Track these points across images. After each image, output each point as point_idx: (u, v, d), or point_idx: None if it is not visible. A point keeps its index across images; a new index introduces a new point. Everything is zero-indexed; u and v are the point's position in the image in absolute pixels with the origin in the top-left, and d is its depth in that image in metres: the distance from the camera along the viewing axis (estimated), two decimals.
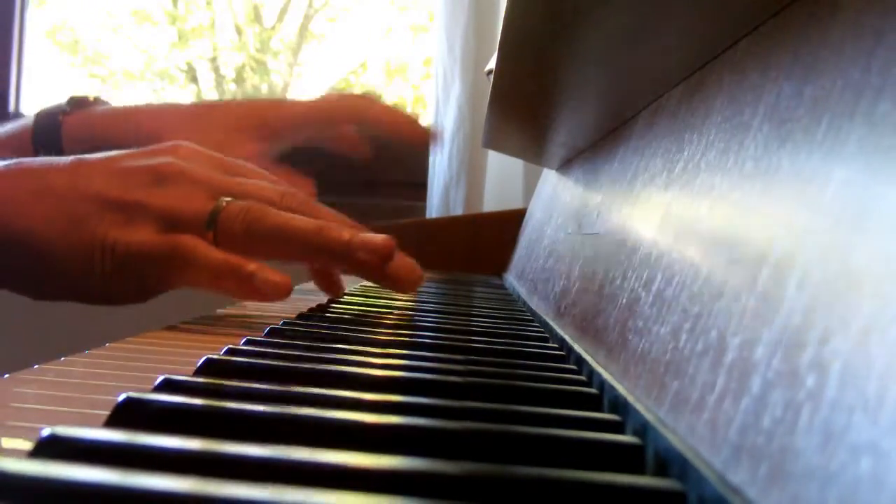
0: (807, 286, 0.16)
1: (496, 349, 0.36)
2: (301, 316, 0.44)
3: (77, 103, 0.63)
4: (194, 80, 1.84)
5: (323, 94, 0.74)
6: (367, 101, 0.74)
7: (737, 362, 0.18)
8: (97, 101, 0.65)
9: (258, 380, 0.25)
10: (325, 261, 0.49)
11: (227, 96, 1.85)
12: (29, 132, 0.62)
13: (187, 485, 0.15)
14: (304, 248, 0.45)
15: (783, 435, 0.15)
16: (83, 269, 0.43)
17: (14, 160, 0.45)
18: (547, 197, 0.75)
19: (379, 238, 0.46)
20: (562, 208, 0.61)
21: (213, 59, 1.84)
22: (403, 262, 0.49)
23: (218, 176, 0.47)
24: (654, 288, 0.27)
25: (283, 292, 0.43)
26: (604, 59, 0.38)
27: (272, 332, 0.37)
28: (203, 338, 0.41)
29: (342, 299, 0.54)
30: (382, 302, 0.54)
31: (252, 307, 0.56)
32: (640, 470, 0.20)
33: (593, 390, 0.28)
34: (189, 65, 1.84)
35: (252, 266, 0.43)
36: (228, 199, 0.45)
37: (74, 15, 1.81)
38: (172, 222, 0.44)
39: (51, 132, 0.61)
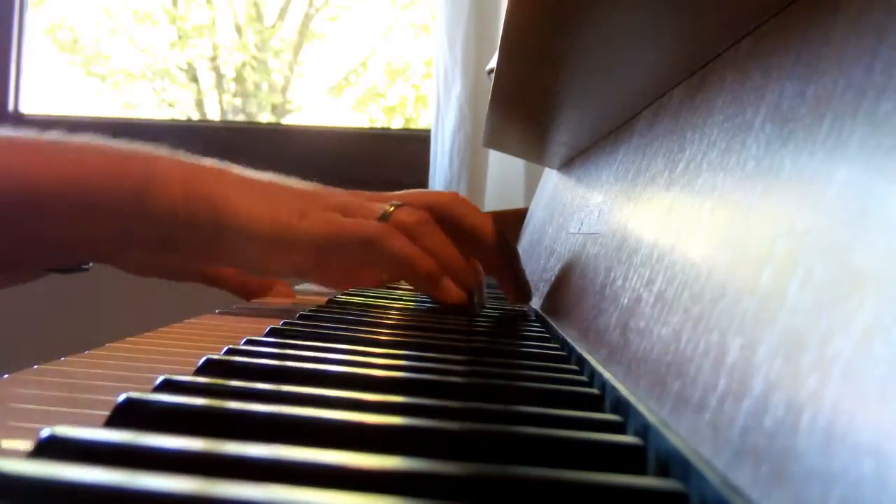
0: (809, 287, 0.16)
1: (497, 349, 0.36)
2: (301, 316, 0.44)
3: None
4: (194, 79, 1.84)
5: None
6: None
7: (738, 363, 0.18)
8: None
9: (258, 380, 0.25)
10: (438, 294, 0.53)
11: (227, 95, 1.85)
12: None
13: (188, 485, 0.15)
14: (418, 283, 0.51)
15: (785, 436, 0.14)
16: (276, 234, 0.47)
17: (207, 159, 0.50)
18: (548, 196, 0.75)
19: (457, 295, 0.52)
20: (563, 208, 0.61)
21: (214, 59, 1.84)
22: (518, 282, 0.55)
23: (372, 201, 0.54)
24: (655, 288, 0.27)
25: (458, 300, 0.50)
26: (605, 59, 0.38)
27: (272, 332, 0.37)
28: (203, 337, 0.41)
29: (343, 299, 0.54)
30: (383, 302, 0.54)
31: (252, 307, 0.56)
32: (641, 471, 0.20)
33: (595, 391, 0.28)
34: (189, 64, 1.84)
35: (437, 266, 0.49)
36: (398, 203, 0.51)
37: (74, 14, 1.81)
38: (351, 213, 0.49)
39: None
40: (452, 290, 0.50)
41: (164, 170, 0.46)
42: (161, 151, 0.48)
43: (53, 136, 0.46)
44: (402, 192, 0.57)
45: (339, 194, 0.52)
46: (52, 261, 0.49)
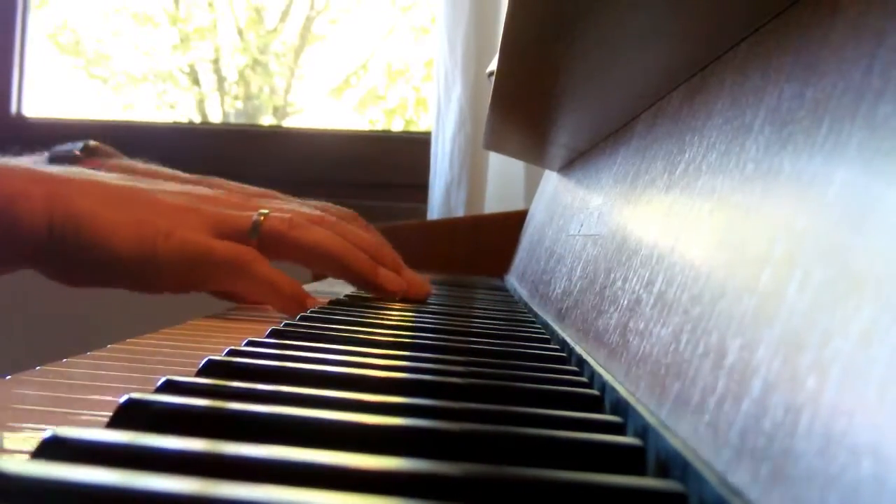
0: (807, 288, 0.16)
1: (497, 350, 0.36)
2: (302, 317, 0.44)
3: (90, 150, 0.66)
4: (196, 81, 1.84)
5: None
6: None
7: (738, 364, 0.18)
8: (109, 151, 0.67)
9: (260, 381, 0.25)
10: (349, 280, 0.56)
11: (229, 98, 1.85)
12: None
13: (190, 486, 0.15)
14: (334, 266, 0.53)
15: (784, 437, 0.15)
16: (142, 256, 0.47)
17: (75, 168, 0.50)
18: (548, 198, 0.75)
19: (397, 282, 0.55)
20: (563, 210, 0.61)
21: (215, 61, 1.84)
22: (414, 280, 0.58)
23: (255, 199, 0.56)
24: (655, 289, 0.27)
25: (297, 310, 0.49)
26: (605, 61, 0.38)
27: (273, 333, 0.37)
28: (204, 339, 0.41)
29: (343, 300, 0.54)
30: (383, 303, 0.54)
31: (252, 308, 0.56)
32: (641, 471, 0.20)
33: (594, 392, 0.28)
34: (191, 66, 1.84)
35: (304, 293, 0.50)
36: (266, 211, 0.52)
37: (75, 16, 1.81)
38: (221, 229, 0.49)
39: None
40: (302, 304, 0.50)
41: (25, 186, 0.45)
42: (23, 162, 0.48)
43: None
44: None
45: (218, 201, 0.52)
46: None
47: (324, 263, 0.54)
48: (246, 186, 0.61)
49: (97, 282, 0.50)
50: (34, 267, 0.48)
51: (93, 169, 0.59)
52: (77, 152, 0.64)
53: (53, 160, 0.63)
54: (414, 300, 0.57)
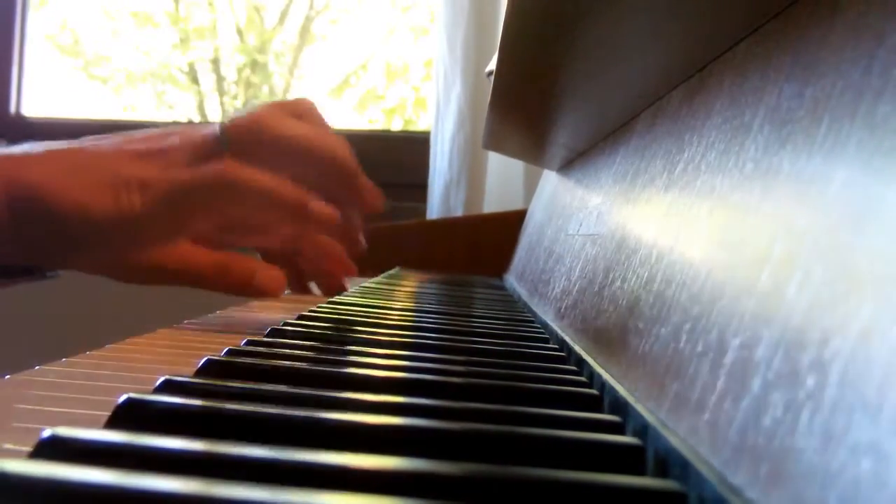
0: (807, 287, 0.16)
1: (497, 350, 0.36)
2: (302, 317, 0.44)
3: None
4: (195, 81, 1.84)
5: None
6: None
7: (737, 363, 0.18)
8: None
9: (259, 380, 0.25)
10: (318, 171, 0.49)
11: (228, 98, 1.85)
12: None
13: (188, 486, 0.15)
14: (306, 157, 0.47)
15: (784, 435, 0.15)
16: (122, 216, 0.42)
17: (28, 144, 0.45)
18: (547, 198, 0.75)
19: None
20: (562, 209, 0.61)
21: (215, 61, 1.84)
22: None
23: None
24: (654, 289, 0.27)
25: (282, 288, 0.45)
26: (604, 61, 0.38)
27: (273, 333, 0.37)
28: (203, 338, 0.41)
29: (343, 300, 0.54)
30: (383, 303, 0.54)
31: (253, 308, 0.56)
32: (640, 471, 0.20)
33: (594, 391, 0.28)
34: (190, 66, 1.84)
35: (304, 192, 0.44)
36: (232, 118, 0.46)
37: (75, 17, 1.81)
38: (192, 154, 0.45)
39: None
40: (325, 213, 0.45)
41: None
42: None
43: None
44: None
45: (179, 133, 0.46)
46: None
47: (303, 158, 0.47)
48: None
49: (75, 257, 0.45)
50: (8, 255, 0.44)
51: None
52: None
53: None
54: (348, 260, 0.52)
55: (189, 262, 0.48)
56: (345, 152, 0.49)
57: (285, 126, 0.47)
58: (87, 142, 0.46)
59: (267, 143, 0.46)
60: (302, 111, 0.50)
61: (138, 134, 0.47)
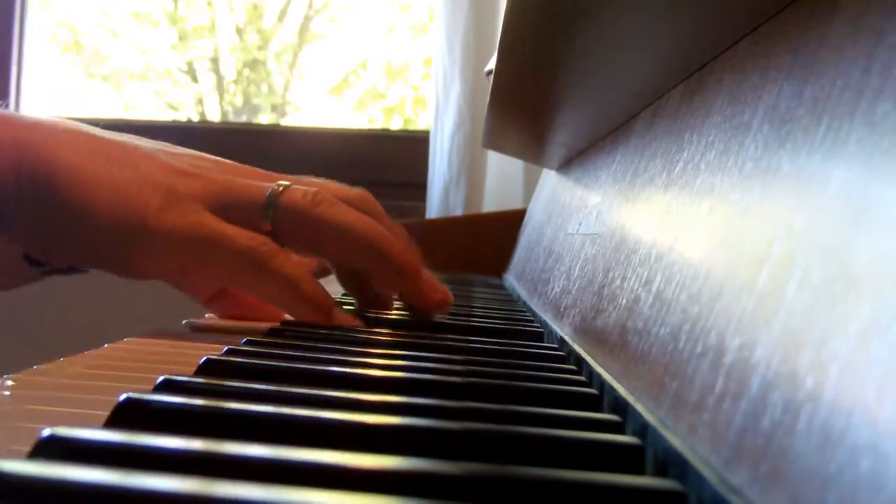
0: (806, 287, 0.16)
1: (496, 349, 0.36)
2: None
3: None
4: (195, 80, 1.84)
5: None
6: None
7: (736, 363, 0.18)
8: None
9: (258, 380, 0.25)
10: (382, 279, 0.45)
11: (228, 97, 1.85)
12: None
13: (187, 485, 0.15)
14: (368, 256, 0.42)
15: (782, 436, 0.15)
16: (127, 229, 0.38)
17: (56, 118, 0.40)
18: (547, 197, 0.75)
19: (440, 290, 0.44)
20: (562, 208, 0.61)
21: (214, 60, 1.84)
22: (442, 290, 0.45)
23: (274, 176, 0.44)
24: (653, 288, 0.27)
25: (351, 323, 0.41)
26: (604, 60, 0.38)
27: (272, 332, 0.37)
28: (204, 338, 0.41)
29: (342, 300, 0.54)
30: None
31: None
32: (639, 470, 0.20)
33: (593, 391, 0.28)
34: (190, 65, 1.84)
35: (331, 300, 0.41)
36: (287, 183, 0.41)
37: (74, 15, 1.81)
38: (227, 200, 0.40)
39: None
40: (344, 319, 0.41)
41: None
42: None
43: None
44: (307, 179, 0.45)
45: (230, 169, 0.42)
46: None
47: (355, 252, 0.42)
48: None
49: (72, 256, 0.41)
50: (2, 234, 0.39)
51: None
52: None
53: None
54: (436, 312, 0.45)
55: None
56: (401, 249, 0.42)
57: (339, 211, 0.41)
58: (125, 137, 0.41)
59: (315, 227, 0.41)
60: (360, 202, 0.45)
61: (183, 151, 0.43)
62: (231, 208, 0.40)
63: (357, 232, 0.41)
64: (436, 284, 0.44)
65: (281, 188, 0.41)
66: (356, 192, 0.45)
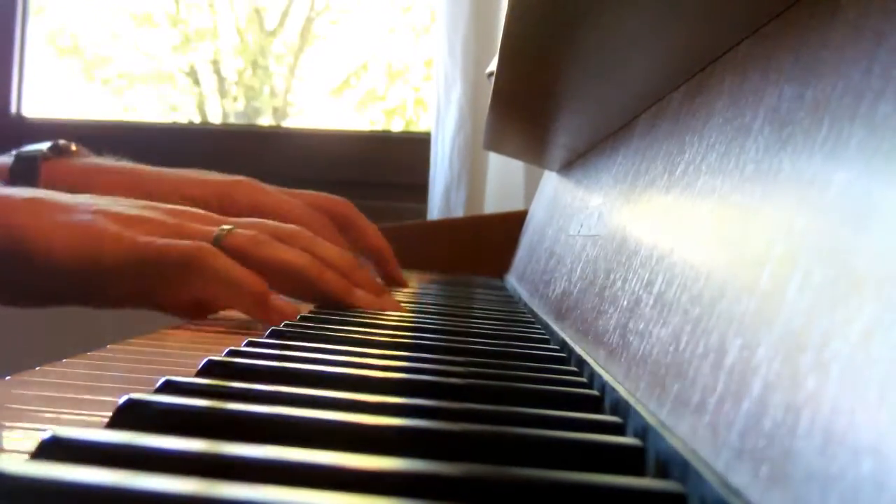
0: (807, 288, 0.16)
1: (497, 351, 0.36)
2: (302, 317, 0.44)
3: (58, 150, 0.63)
4: (196, 82, 1.84)
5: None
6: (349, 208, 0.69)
7: (738, 364, 0.18)
8: (78, 151, 0.64)
9: (259, 381, 0.25)
10: (321, 302, 0.51)
11: (229, 99, 1.85)
12: (6, 170, 0.61)
13: (189, 486, 0.15)
14: (304, 287, 0.49)
15: (784, 437, 0.15)
16: (86, 262, 0.44)
17: (30, 190, 0.47)
18: (548, 199, 0.75)
19: (373, 304, 0.50)
20: (563, 210, 0.61)
21: (215, 62, 1.84)
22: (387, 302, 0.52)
23: (219, 216, 0.51)
24: (655, 290, 0.27)
25: (288, 317, 0.44)
26: (605, 62, 0.38)
27: (273, 334, 0.37)
28: (204, 339, 0.41)
29: None
30: None
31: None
32: (641, 472, 0.20)
33: (594, 392, 0.28)
34: (191, 67, 1.84)
35: (265, 286, 0.45)
36: (229, 227, 0.47)
37: (75, 18, 1.81)
38: (187, 223, 0.46)
39: (28, 174, 0.61)
40: (285, 310, 0.46)
41: None
42: None
43: None
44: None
45: (180, 214, 0.49)
46: None
47: (293, 284, 0.49)
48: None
49: (43, 300, 0.47)
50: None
51: (64, 167, 0.57)
52: (46, 150, 0.61)
53: (20, 159, 0.61)
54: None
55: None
56: (329, 276, 0.49)
57: (277, 251, 0.48)
58: (84, 197, 0.48)
59: (256, 266, 0.46)
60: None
61: (135, 202, 0.49)
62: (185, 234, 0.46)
63: (290, 268, 0.48)
64: (370, 300, 0.50)
65: (225, 231, 0.47)
66: (290, 229, 0.51)
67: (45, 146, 0.62)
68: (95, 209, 0.46)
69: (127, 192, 0.54)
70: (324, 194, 0.67)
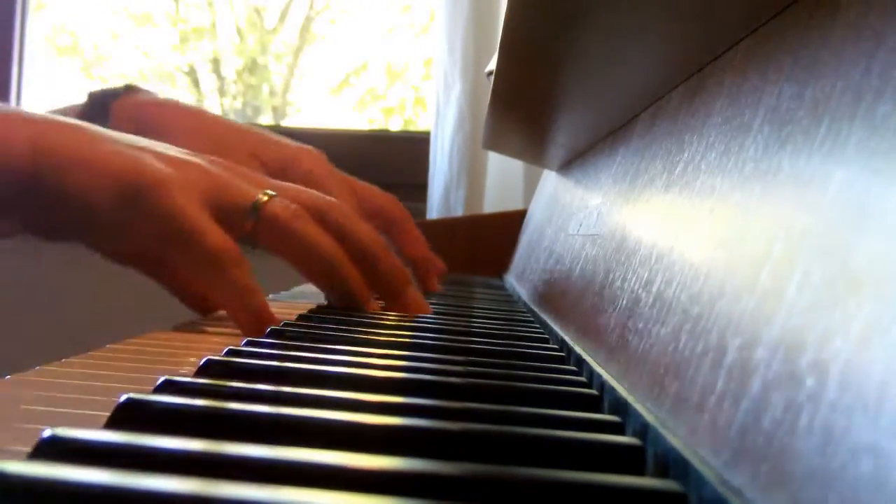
0: (807, 287, 0.16)
1: (496, 350, 0.36)
2: (301, 317, 0.44)
3: (131, 90, 0.65)
4: (196, 82, 1.84)
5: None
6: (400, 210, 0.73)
7: (737, 363, 0.18)
8: (149, 92, 0.67)
9: (259, 381, 0.25)
10: (335, 298, 0.50)
11: (228, 98, 1.85)
12: (78, 111, 0.64)
13: (188, 486, 0.15)
14: (322, 275, 0.47)
15: (783, 436, 0.15)
16: (121, 203, 0.42)
17: (68, 118, 0.45)
18: (547, 198, 0.75)
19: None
20: (562, 209, 0.61)
21: (215, 61, 1.84)
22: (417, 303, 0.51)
23: (267, 177, 0.50)
24: (654, 289, 0.27)
25: (266, 323, 0.41)
26: (604, 61, 0.38)
27: (273, 333, 0.37)
28: (204, 339, 0.41)
29: None
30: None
31: None
32: (640, 471, 0.20)
33: (593, 391, 0.28)
34: (191, 66, 1.84)
35: (271, 313, 0.43)
36: (273, 193, 0.46)
37: (74, 17, 1.81)
38: (219, 197, 0.44)
39: (101, 113, 0.63)
40: (261, 327, 0.42)
41: (9, 127, 0.42)
42: (7, 109, 0.44)
43: None
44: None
45: (231, 168, 0.47)
46: None
47: (315, 270, 0.47)
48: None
49: (67, 233, 0.45)
50: (12, 215, 0.44)
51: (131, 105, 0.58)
52: (118, 88, 0.65)
53: (92, 99, 0.65)
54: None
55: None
56: (358, 291, 0.48)
57: (311, 230, 0.46)
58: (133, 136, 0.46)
59: (286, 239, 0.45)
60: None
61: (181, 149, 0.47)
62: (220, 205, 0.44)
63: (317, 252, 0.46)
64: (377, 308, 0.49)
65: (266, 198, 0.45)
66: (329, 203, 0.49)
67: (119, 86, 0.65)
68: (142, 146, 0.44)
69: (195, 133, 0.54)
70: (380, 192, 0.69)
